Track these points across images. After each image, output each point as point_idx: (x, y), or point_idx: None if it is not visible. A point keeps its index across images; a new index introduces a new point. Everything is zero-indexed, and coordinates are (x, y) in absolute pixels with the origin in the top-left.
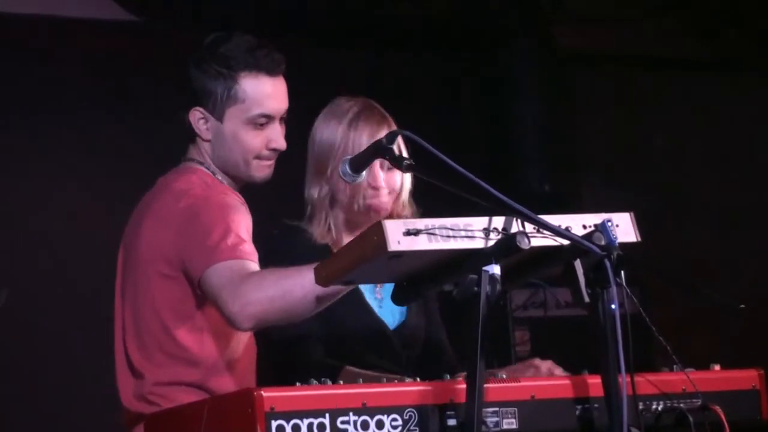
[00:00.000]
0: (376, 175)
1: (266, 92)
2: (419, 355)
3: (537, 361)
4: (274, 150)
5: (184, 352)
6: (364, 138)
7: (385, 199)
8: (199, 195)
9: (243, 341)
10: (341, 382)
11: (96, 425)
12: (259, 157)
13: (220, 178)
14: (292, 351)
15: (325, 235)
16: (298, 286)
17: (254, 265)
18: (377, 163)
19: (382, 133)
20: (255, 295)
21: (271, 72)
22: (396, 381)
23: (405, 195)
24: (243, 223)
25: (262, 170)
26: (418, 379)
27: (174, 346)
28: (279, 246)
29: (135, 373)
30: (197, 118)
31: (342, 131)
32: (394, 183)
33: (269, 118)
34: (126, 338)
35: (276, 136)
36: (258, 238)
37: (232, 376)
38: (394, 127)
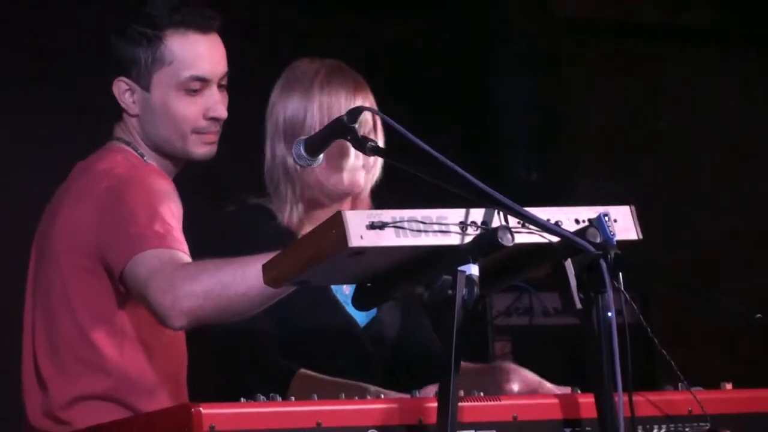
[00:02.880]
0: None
1: (197, 51)
2: (391, 358)
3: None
4: (213, 120)
5: (101, 360)
6: (341, 102)
7: (359, 175)
8: (123, 175)
9: (172, 349)
10: (293, 397)
11: None
12: (197, 130)
13: (149, 160)
14: (239, 348)
15: (291, 216)
16: (240, 279)
17: (185, 256)
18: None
19: (359, 99)
20: (190, 287)
21: (201, 29)
22: (356, 397)
23: (377, 173)
24: (172, 207)
25: (201, 146)
26: (383, 395)
27: (90, 352)
28: (237, 227)
29: (43, 384)
30: (122, 90)
31: (312, 97)
32: (369, 159)
33: (204, 81)
34: (35, 343)
35: (214, 103)
36: (207, 220)
37: (160, 392)
38: (368, 91)
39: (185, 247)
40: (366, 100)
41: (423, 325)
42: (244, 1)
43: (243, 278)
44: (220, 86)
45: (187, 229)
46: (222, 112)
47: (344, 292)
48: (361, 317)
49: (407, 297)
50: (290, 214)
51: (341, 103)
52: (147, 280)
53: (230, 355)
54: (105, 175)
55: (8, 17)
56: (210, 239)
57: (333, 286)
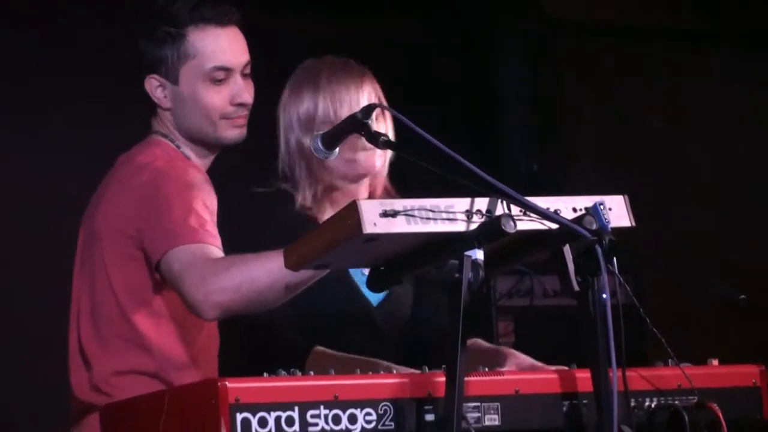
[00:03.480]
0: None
1: (217, 44)
2: (402, 332)
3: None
4: (239, 105)
5: (140, 339)
6: (349, 91)
7: (374, 157)
8: (161, 169)
9: (205, 330)
10: (311, 372)
11: (47, 413)
12: (225, 115)
13: (186, 150)
14: (259, 330)
15: (306, 199)
16: (266, 272)
17: (217, 250)
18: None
19: (365, 87)
20: (220, 282)
21: (219, 22)
22: (371, 372)
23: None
24: (206, 201)
25: (231, 130)
26: (395, 370)
27: (130, 332)
28: (260, 212)
29: (87, 360)
30: (154, 86)
31: (320, 91)
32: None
33: (227, 71)
34: (80, 323)
35: (238, 90)
36: (236, 204)
37: (192, 368)
38: (375, 82)
39: (218, 240)
40: (373, 88)
41: (440, 305)
42: (264, 11)
43: (269, 272)
44: (243, 75)
45: (220, 214)
46: (247, 98)
47: (362, 274)
48: (374, 296)
49: (426, 277)
50: (305, 197)
51: (350, 91)
52: (181, 275)
53: (251, 336)
54: (145, 169)
55: (53, 27)
56: (238, 220)
57: (351, 270)
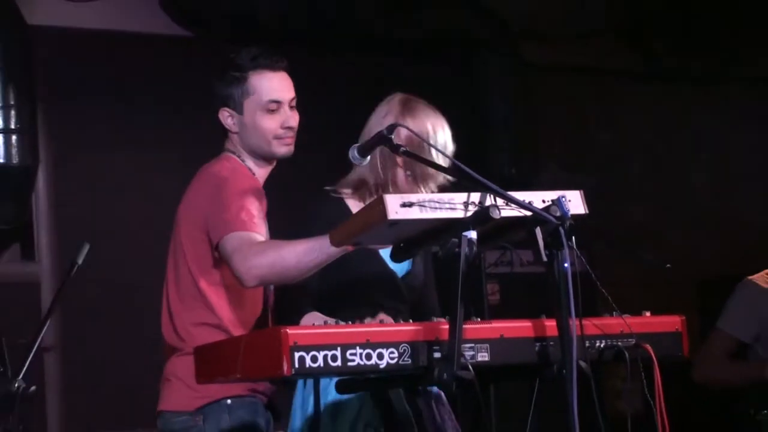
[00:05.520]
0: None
1: (271, 84)
2: (414, 299)
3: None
4: (288, 128)
5: (205, 300)
6: (429, 116)
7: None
8: (225, 177)
9: (251, 296)
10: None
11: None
12: (277, 137)
13: (248, 163)
14: (285, 295)
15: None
16: (293, 254)
17: (261, 236)
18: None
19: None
20: (259, 260)
21: (272, 68)
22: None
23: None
24: (255, 204)
25: (281, 147)
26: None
27: (199, 294)
28: (318, 212)
29: (172, 313)
30: (225, 116)
31: (404, 117)
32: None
33: (278, 103)
34: (168, 285)
35: (287, 117)
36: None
37: (240, 323)
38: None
39: (262, 230)
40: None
41: (433, 300)
42: (308, 55)
43: (295, 253)
44: (290, 107)
45: (275, 214)
46: (293, 123)
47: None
48: (399, 270)
49: (426, 256)
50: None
51: (429, 117)
52: (232, 253)
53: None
54: (214, 176)
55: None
56: (297, 220)
57: (381, 252)
